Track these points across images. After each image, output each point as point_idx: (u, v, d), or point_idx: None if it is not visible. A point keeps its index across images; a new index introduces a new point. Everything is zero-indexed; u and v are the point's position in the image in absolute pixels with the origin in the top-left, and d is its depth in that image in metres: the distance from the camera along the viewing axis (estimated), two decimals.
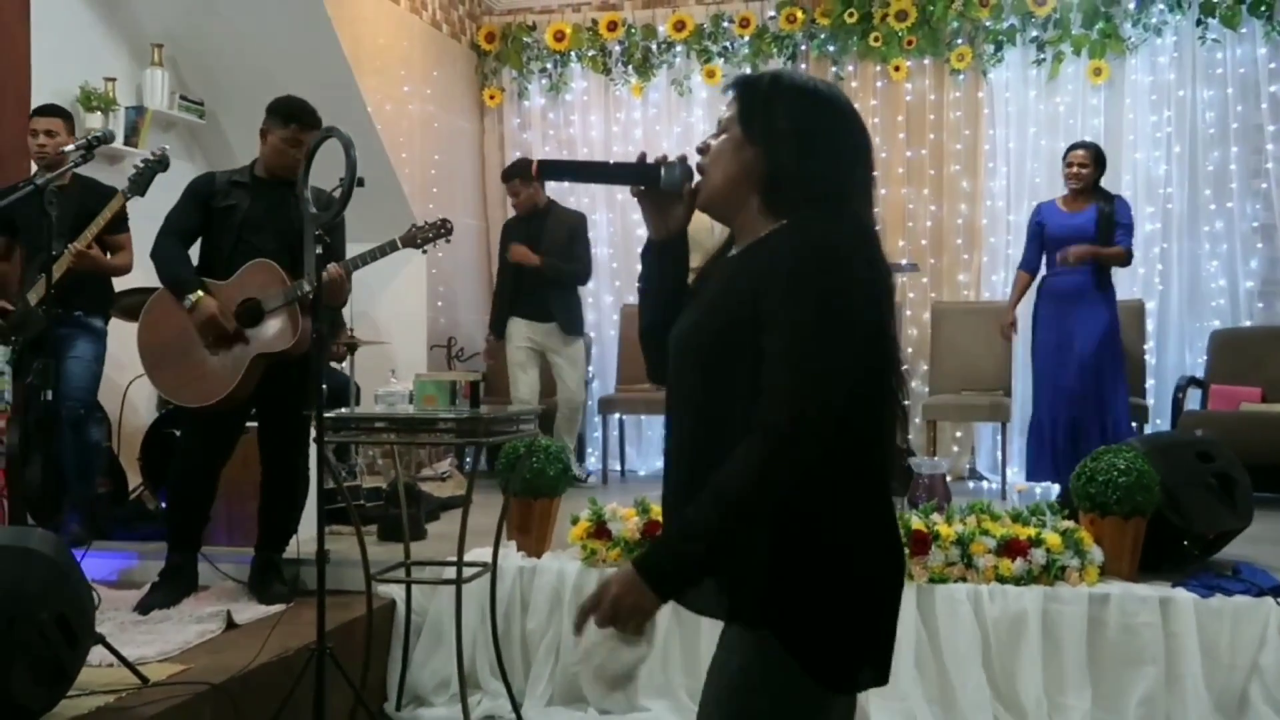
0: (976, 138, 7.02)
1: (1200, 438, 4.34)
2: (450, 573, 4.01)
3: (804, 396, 1.52)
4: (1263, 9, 6.48)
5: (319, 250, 3.22)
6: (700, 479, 1.57)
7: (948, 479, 4.62)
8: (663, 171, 1.77)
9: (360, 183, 3.30)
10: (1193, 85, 6.67)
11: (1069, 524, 3.98)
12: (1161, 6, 6.64)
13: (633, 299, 7.46)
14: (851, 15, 7.00)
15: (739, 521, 1.53)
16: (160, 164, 4.03)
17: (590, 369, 7.29)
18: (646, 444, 7.51)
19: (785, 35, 7.19)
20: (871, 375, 1.59)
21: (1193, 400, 6.40)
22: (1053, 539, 3.87)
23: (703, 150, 1.76)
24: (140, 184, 4.01)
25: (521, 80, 7.67)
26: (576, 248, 6.31)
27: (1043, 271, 5.90)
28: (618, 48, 7.47)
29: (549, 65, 7.60)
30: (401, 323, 6.82)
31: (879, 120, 7.14)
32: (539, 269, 6.15)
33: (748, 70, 7.28)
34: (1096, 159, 5.75)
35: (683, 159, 1.79)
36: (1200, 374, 6.57)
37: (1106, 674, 3.73)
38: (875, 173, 1.75)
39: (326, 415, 3.31)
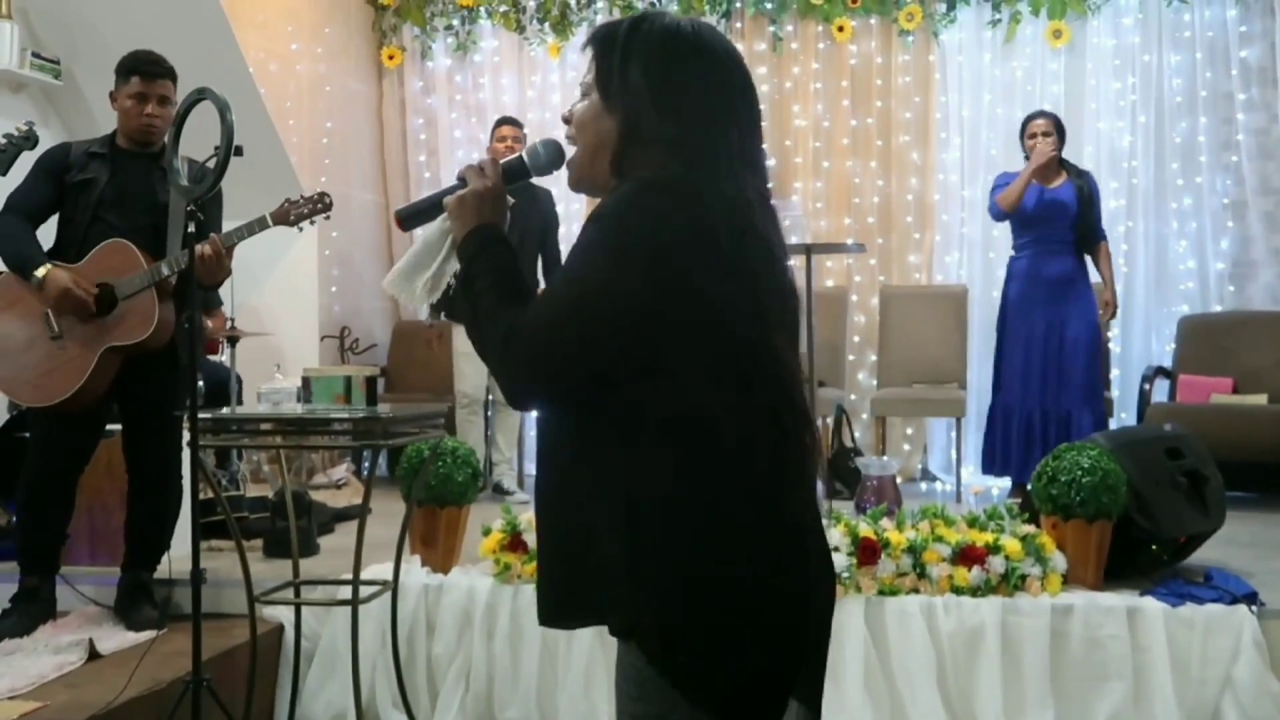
0: (927, 105, 7.08)
1: (1169, 432, 4.42)
2: (345, 592, 3.95)
3: (541, 334, 1.57)
4: None
5: (191, 229, 3.14)
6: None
7: (898, 480, 4.64)
8: (525, 159, 1.79)
9: (238, 151, 3.24)
10: (1159, 49, 6.81)
11: (1029, 529, 4.02)
12: None
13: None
14: None
15: (478, 325, 1.65)
16: (27, 140, 3.89)
17: None
18: None
19: None
20: (626, 319, 1.55)
21: (1160, 391, 6.54)
22: (1012, 546, 3.92)
23: (567, 120, 1.74)
24: (2, 163, 3.87)
25: (425, 38, 7.59)
26: (553, 242, 6.29)
27: (1010, 250, 5.97)
28: (532, 3, 7.43)
29: (455, 22, 7.54)
30: (289, 312, 6.70)
31: (821, 85, 7.18)
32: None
33: None
34: (1059, 127, 5.84)
35: (549, 141, 1.80)
36: (1168, 363, 6.70)
37: (1070, 691, 3.78)
38: (760, 133, 1.71)
39: (203, 415, 3.23)
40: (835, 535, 3.98)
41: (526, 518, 4.19)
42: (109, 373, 3.96)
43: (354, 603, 3.57)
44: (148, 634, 3.91)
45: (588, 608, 1.63)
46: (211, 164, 3.20)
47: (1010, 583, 3.89)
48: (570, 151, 1.75)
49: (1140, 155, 6.82)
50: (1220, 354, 6.53)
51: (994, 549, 3.92)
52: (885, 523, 4.07)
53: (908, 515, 4.20)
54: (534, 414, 1.80)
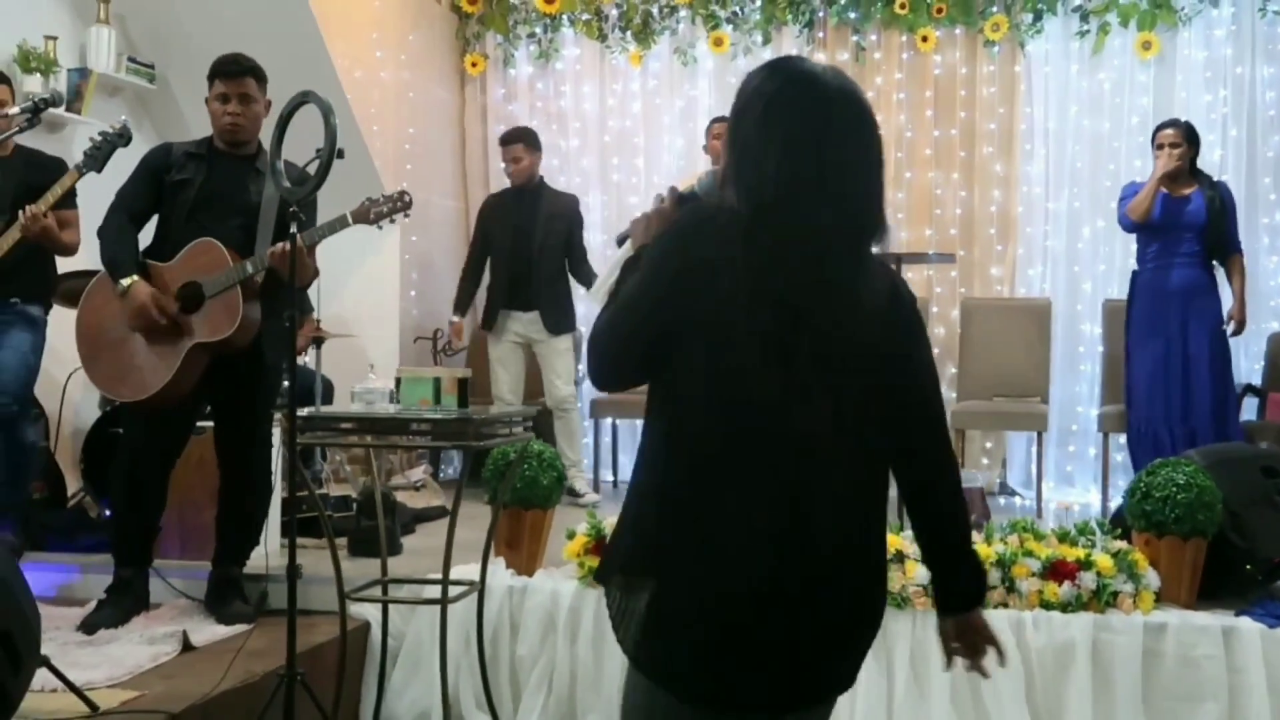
0: (1012, 116, 7.01)
1: (1265, 450, 4.34)
2: (432, 591, 3.99)
3: (603, 327, 1.89)
4: None
5: (293, 229, 3.19)
6: None
7: (985, 494, 4.59)
8: (697, 185, 2.09)
9: (340, 154, 3.28)
10: (1252, 62, 6.69)
11: (1121, 545, 3.97)
12: None
13: None
14: None
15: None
16: (121, 138, 3.98)
17: (581, 368, 7.26)
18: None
19: (802, 1, 7.17)
20: (647, 324, 1.83)
21: (1248, 410, 6.41)
22: (1104, 561, 3.87)
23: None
24: (97, 159, 3.96)
25: (507, 46, 7.64)
26: (578, 241, 6.33)
27: (1134, 264, 5.86)
28: (615, 11, 7.45)
29: (538, 30, 7.58)
30: (372, 314, 6.79)
31: (904, 96, 7.13)
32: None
33: (758, 38, 7.28)
34: (1189, 137, 5.72)
35: (712, 170, 2.08)
36: (1256, 380, 6.57)
37: (1162, 711, 3.72)
38: (805, 153, 1.83)
39: (299, 414, 3.27)
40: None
41: (611, 521, 4.19)
42: (195, 369, 4.02)
43: (443, 602, 3.60)
44: (239, 628, 3.98)
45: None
46: (312, 167, 3.24)
47: (1102, 599, 3.83)
48: None
49: (1231, 169, 6.69)
50: None
51: (1085, 564, 3.87)
52: (975, 535, 4.02)
53: (996, 529, 4.15)
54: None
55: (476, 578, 3.89)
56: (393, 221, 3.90)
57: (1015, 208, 7.02)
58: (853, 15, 7.16)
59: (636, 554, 1.83)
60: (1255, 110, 6.70)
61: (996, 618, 3.81)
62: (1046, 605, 3.85)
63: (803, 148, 1.81)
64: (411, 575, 4.18)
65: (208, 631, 3.92)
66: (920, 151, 7.13)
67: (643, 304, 1.84)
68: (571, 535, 4.25)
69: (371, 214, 3.90)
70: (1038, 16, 6.91)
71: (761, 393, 1.78)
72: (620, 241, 2.17)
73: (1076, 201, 6.87)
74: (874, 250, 1.90)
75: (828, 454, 1.80)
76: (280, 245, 3.84)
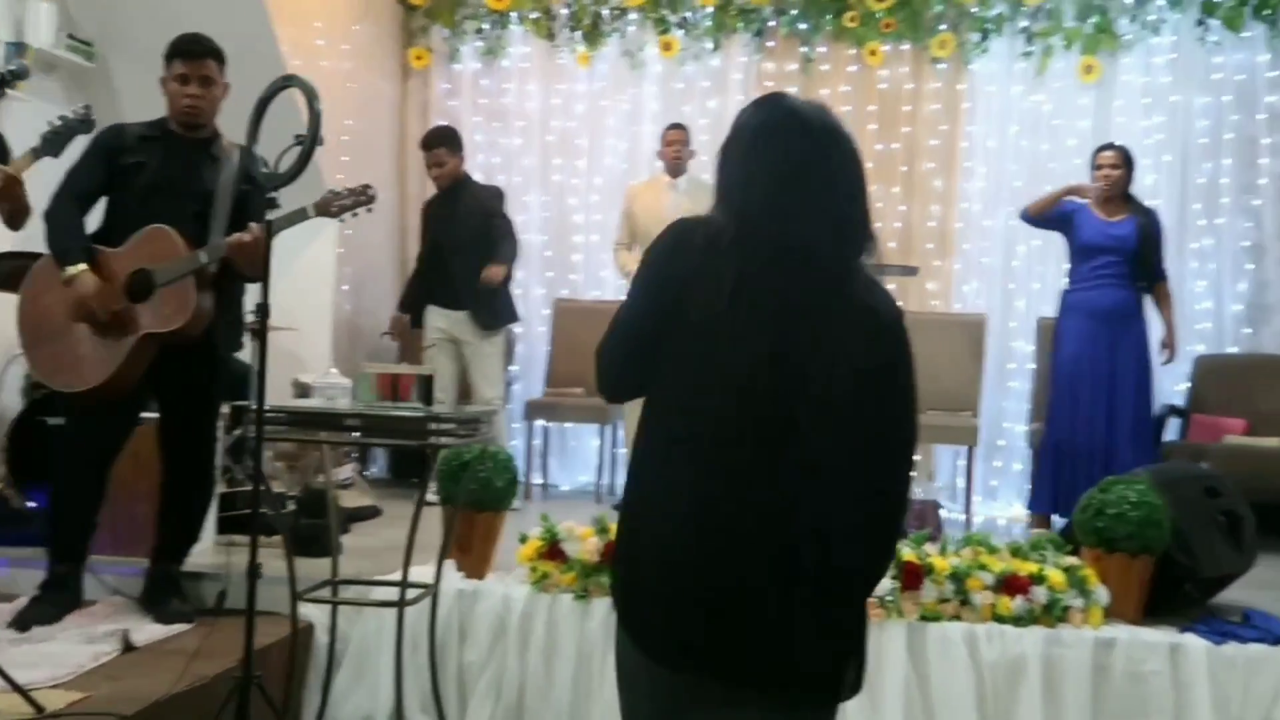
0: (954, 134, 7.10)
1: (1207, 470, 4.42)
2: (378, 593, 3.91)
3: (602, 344, 2.06)
4: (1266, 12, 6.67)
5: (269, 217, 3.10)
6: None
7: (938, 507, 4.63)
8: None
9: (320, 141, 3.19)
10: (1188, 90, 6.83)
11: (1072, 560, 4.01)
12: (1161, 3, 6.79)
13: (567, 292, 7.43)
14: None
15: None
16: (84, 125, 3.81)
17: (514, 368, 7.20)
18: (572, 455, 7.43)
19: (752, 9, 7.19)
20: (638, 334, 1.99)
21: (1171, 430, 6.56)
22: (1056, 576, 3.91)
23: None
24: (56, 144, 3.79)
25: (454, 41, 7.55)
26: (495, 228, 6.23)
27: (1065, 282, 5.97)
28: (565, 11, 7.39)
29: (485, 26, 7.49)
30: (305, 308, 6.63)
31: (850, 108, 7.16)
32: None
33: (708, 44, 7.27)
34: (1127, 160, 5.84)
35: None
36: (1179, 401, 6.73)
37: None
38: (770, 182, 1.96)
39: (265, 410, 3.18)
40: None
41: (566, 526, 4.15)
42: (143, 361, 3.90)
43: (400, 604, 3.52)
44: (178, 627, 3.87)
45: None
46: (289, 154, 3.15)
47: (1054, 614, 3.87)
48: None
49: (1164, 195, 6.83)
50: (1234, 395, 6.56)
51: (1038, 579, 3.91)
52: (929, 548, 4.05)
53: (950, 541, 4.18)
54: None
55: (427, 580, 3.82)
56: (355, 215, 3.80)
57: (954, 224, 7.10)
58: (803, 26, 7.18)
59: (619, 530, 2.05)
60: (1189, 138, 6.85)
61: (950, 630, 3.85)
62: (999, 619, 3.89)
63: (786, 172, 1.94)
64: (352, 576, 4.08)
65: (147, 631, 3.79)
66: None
67: (630, 316, 2.01)
68: (524, 539, 4.19)
69: (334, 207, 3.78)
70: (984, 36, 6.99)
71: (745, 393, 1.88)
72: None
73: (1013, 220, 6.91)
74: (863, 265, 1.98)
75: (803, 450, 1.88)
76: (238, 235, 3.74)
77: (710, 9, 7.21)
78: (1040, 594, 3.89)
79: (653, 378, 1.96)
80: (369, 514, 5.71)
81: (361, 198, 3.78)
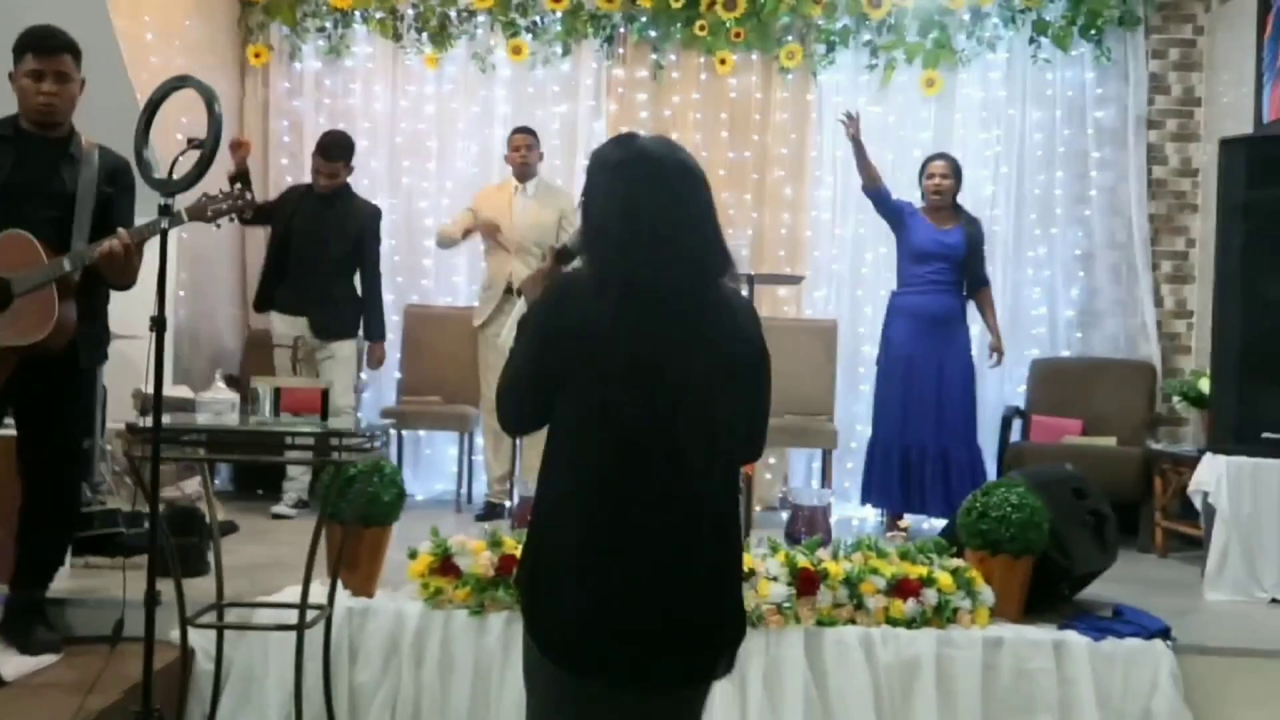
0: (803, 143, 7.22)
1: (1073, 473, 4.61)
2: (267, 615, 3.75)
3: (502, 388, 2.26)
4: (1092, 32, 7.01)
5: (164, 224, 2.92)
6: None
7: (827, 513, 4.68)
8: (569, 243, 2.42)
9: (216, 145, 3.03)
10: (1023, 104, 7.13)
11: (958, 562, 4.12)
12: (996, 21, 7.06)
13: (418, 298, 7.28)
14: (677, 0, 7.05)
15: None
16: None
17: (363, 376, 6.99)
18: (427, 464, 7.28)
19: (602, 15, 7.17)
20: (535, 383, 2.18)
21: (1012, 431, 6.83)
22: (944, 579, 4.01)
23: None
24: None
25: (294, 39, 7.29)
26: (368, 253, 6.16)
27: (894, 285, 6.15)
28: (411, 11, 7.23)
29: (328, 24, 7.26)
30: (143, 316, 6.29)
31: (700, 116, 7.24)
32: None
33: (558, 49, 7.22)
34: (956, 171, 6.07)
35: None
36: (1018, 403, 7.01)
37: None
38: (637, 226, 2.14)
39: (168, 425, 3.00)
40: (774, 565, 3.99)
41: (458, 540, 4.05)
42: (1, 374, 3.65)
43: (300, 627, 3.38)
44: (46, 658, 3.62)
45: None
46: (184, 156, 2.98)
47: (944, 615, 3.97)
48: None
49: (1001, 205, 7.12)
50: (1070, 397, 6.87)
51: (928, 581, 4.00)
52: (822, 554, 4.10)
53: (841, 546, 4.24)
54: None
55: (313, 599, 3.68)
56: (232, 220, 3.61)
57: (804, 231, 7.22)
58: (653, 33, 7.20)
59: (533, 550, 2.20)
60: (1025, 150, 7.14)
61: (846, 634, 3.91)
62: (892, 621, 3.96)
63: (637, 209, 2.12)
64: (233, 597, 3.90)
65: (13, 664, 3.55)
66: (714, 172, 7.21)
67: (526, 368, 2.20)
68: (414, 555, 4.07)
69: (209, 211, 3.57)
70: (830, 48, 7.13)
71: (632, 421, 2.10)
72: (517, 293, 2.60)
73: (861, 228, 7.13)
74: (724, 282, 2.22)
75: (690, 467, 2.13)
76: (107, 242, 3.52)
77: (560, 14, 7.16)
78: (930, 596, 3.98)
79: (551, 414, 2.17)
80: (227, 529, 5.45)
81: (238, 202, 3.59)
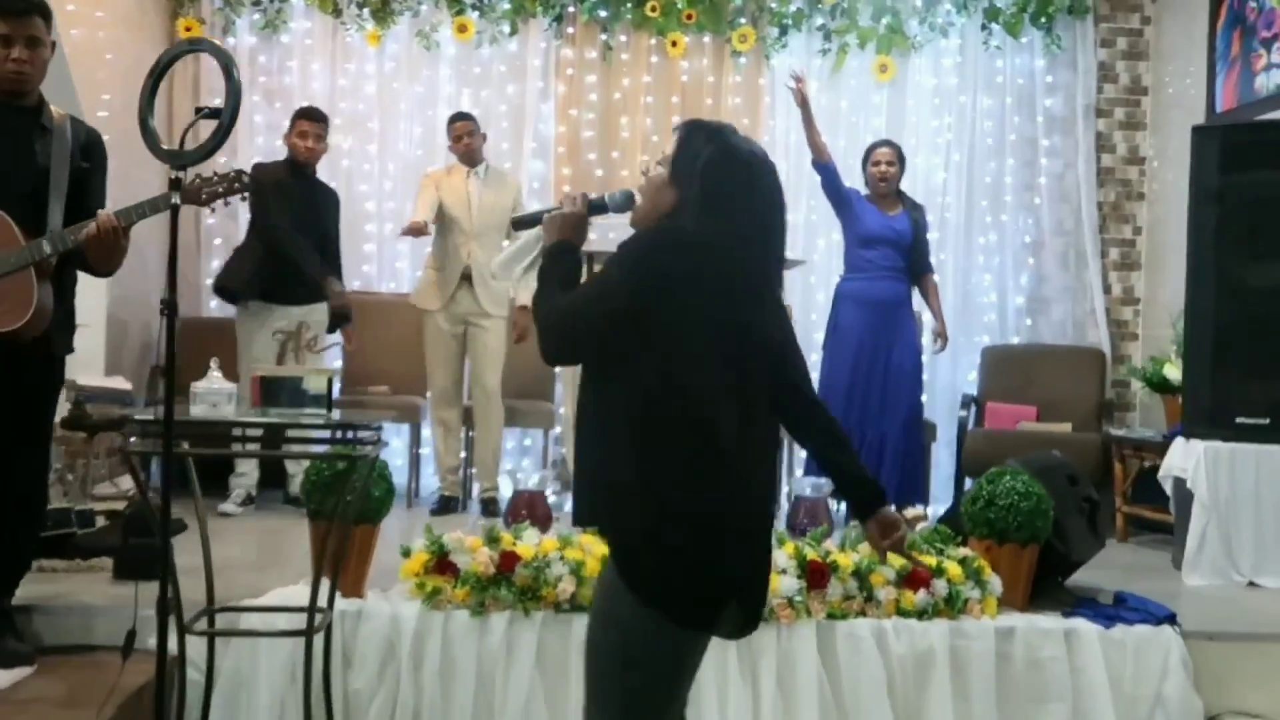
0: (756, 127, 7.12)
1: (1063, 460, 4.58)
2: (253, 620, 3.53)
3: (568, 314, 2.30)
4: (1043, 20, 7.03)
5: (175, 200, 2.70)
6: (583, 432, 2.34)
7: (828, 503, 4.58)
8: (606, 200, 2.51)
9: (215, 114, 2.82)
10: (974, 92, 7.13)
11: (966, 552, 4.06)
12: (949, 7, 7.05)
13: (359, 284, 7.02)
14: None
15: (538, 309, 2.36)
16: None
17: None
18: None
19: None
20: (616, 316, 2.24)
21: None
22: (954, 569, 3.94)
23: (645, 172, 2.50)
24: None
25: (228, 12, 6.97)
26: (332, 243, 5.99)
27: (841, 271, 6.09)
28: None
29: None
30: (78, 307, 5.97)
31: (651, 99, 7.10)
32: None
33: (505, 28, 7.02)
34: (900, 158, 6.04)
35: (626, 191, 2.52)
36: (969, 390, 7.02)
37: (1015, 713, 3.84)
38: (784, 238, 2.43)
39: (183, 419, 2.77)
40: (782, 558, 3.88)
41: (454, 537, 3.87)
42: None
43: (308, 633, 3.17)
44: (19, 671, 3.36)
45: (597, 519, 2.34)
46: (203, 123, 2.76)
47: (955, 606, 3.90)
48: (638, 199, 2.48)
49: (952, 192, 7.11)
50: (1022, 383, 6.89)
51: (937, 572, 3.93)
52: (829, 545, 4.01)
53: (842, 537, 4.15)
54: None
55: (297, 602, 3.48)
56: (227, 204, 3.37)
57: None
58: (603, 14, 7.04)
59: (655, 512, 2.23)
60: (976, 138, 7.14)
61: (858, 626, 3.83)
62: (903, 613, 3.88)
63: (755, 200, 2.35)
64: (200, 599, 3.65)
65: None
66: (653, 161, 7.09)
67: (614, 300, 2.24)
68: (407, 553, 3.87)
69: (203, 194, 3.34)
70: (783, 31, 7.05)
71: (717, 381, 2.26)
72: (520, 224, 2.63)
73: (814, 215, 7.07)
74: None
75: (761, 424, 2.34)
76: (98, 222, 3.27)
77: None
78: (940, 587, 3.91)
79: (618, 365, 2.25)
80: (177, 528, 5.17)
81: (234, 185, 3.36)
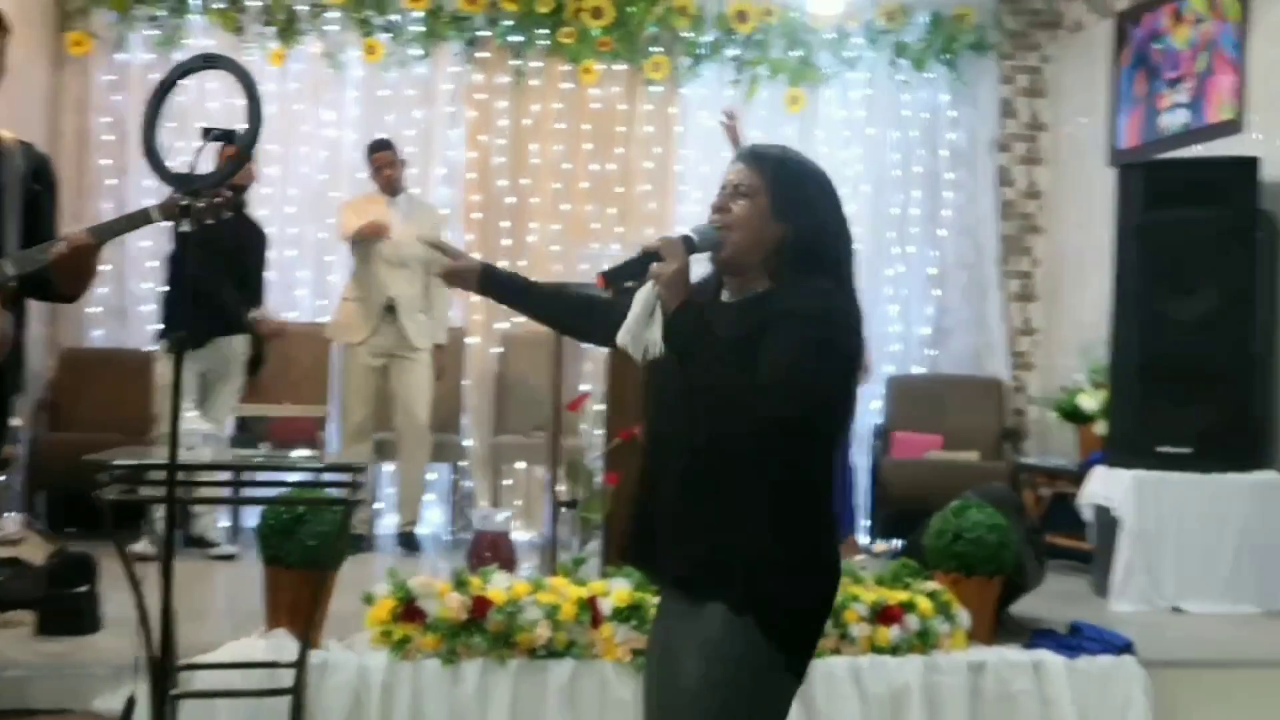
0: (668, 157, 7.10)
1: (1011, 492, 4.65)
2: (205, 678, 3.31)
3: (792, 389, 2.08)
4: (947, 56, 7.18)
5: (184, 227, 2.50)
6: (696, 497, 2.17)
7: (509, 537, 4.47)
8: (695, 240, 2.23)
9: (229, 138, 2.65)
10: (882, 125, 7.22)
11: (934, 585, 4.05)
12: (859, 40, 7.13)
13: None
14: (544, 4, 6.80)
15: (711, 384, 2.10)
16: None
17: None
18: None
19: (464, 17, 6.84)
20: (831, 409, 2.18)
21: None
22: (924, 603, 3.93)
23: (721, 209, 2.28)
24: None
25: (121, 27, 6.63)
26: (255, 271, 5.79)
27: None
28: (257, 2, 6.70)
29: (161, 12, 6.64)
30: None
31: (563, 126, 7.01)
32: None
33: (417, 50, 6.84)
34: None
35: (711, 228, 2.27)
36: (874, 420, 7.09)
37: None
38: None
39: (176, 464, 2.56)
40: None
41: (420, 581, 3.69)
42: None
43: (296, 691, 2.97)
44: None
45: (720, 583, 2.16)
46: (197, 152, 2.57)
47: (928, 641, 3.89)
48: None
49: (861, 223, 7.15)
50: (926, 413, 6.99)
51: (908, 606, 3.92)
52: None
53: None
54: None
55: (256, 655, 3.29)
56: (213, 222, 3.16)
57: None
58: (516, 39, 6.92)
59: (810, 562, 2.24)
60: (883, 170, 7.23)
61: (834, 665, 3.78)
62: (877, 649, 3.85)
63: (845, 224, 2.33)
64: (132, 654, 3.39)
65: None
66: (576, 185, 7.03)
67: (844, 372, 2.19)
68: (370, 600, 3.69)
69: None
70: (696, 61, 7.04)
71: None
72: (616, 277, 2.25)
73: None
74: None
75: None
76: (78, 232, 3.04)
77: (420, 14, 6.78)
78: (913, 622, 3.89)
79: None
80: (84, 569, 4.84)
81: (217, 203, 3.15)
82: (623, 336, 2.17)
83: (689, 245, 2.21)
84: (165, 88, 2.62)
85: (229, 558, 5.48)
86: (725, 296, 2.26)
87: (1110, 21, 6.75)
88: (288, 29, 6.74)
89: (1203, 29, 6.00)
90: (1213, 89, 5.90)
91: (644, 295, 2.19)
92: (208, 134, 2.63)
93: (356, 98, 6.88)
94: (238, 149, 2.62)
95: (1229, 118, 5.77)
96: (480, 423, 6.84)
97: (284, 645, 3.52)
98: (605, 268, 2.22)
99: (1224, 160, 5.39)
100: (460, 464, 6.67)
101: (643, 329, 2.15)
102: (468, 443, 6.74)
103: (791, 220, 2.22)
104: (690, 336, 2.11)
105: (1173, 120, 6.16)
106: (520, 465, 6.72)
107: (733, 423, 2.11)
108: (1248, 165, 5.21)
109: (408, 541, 5.62)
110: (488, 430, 6.78)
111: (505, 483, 6.65)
